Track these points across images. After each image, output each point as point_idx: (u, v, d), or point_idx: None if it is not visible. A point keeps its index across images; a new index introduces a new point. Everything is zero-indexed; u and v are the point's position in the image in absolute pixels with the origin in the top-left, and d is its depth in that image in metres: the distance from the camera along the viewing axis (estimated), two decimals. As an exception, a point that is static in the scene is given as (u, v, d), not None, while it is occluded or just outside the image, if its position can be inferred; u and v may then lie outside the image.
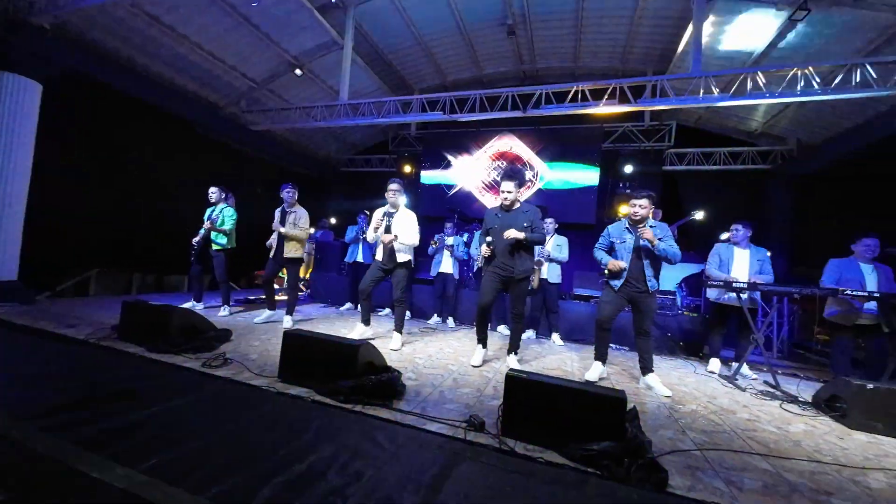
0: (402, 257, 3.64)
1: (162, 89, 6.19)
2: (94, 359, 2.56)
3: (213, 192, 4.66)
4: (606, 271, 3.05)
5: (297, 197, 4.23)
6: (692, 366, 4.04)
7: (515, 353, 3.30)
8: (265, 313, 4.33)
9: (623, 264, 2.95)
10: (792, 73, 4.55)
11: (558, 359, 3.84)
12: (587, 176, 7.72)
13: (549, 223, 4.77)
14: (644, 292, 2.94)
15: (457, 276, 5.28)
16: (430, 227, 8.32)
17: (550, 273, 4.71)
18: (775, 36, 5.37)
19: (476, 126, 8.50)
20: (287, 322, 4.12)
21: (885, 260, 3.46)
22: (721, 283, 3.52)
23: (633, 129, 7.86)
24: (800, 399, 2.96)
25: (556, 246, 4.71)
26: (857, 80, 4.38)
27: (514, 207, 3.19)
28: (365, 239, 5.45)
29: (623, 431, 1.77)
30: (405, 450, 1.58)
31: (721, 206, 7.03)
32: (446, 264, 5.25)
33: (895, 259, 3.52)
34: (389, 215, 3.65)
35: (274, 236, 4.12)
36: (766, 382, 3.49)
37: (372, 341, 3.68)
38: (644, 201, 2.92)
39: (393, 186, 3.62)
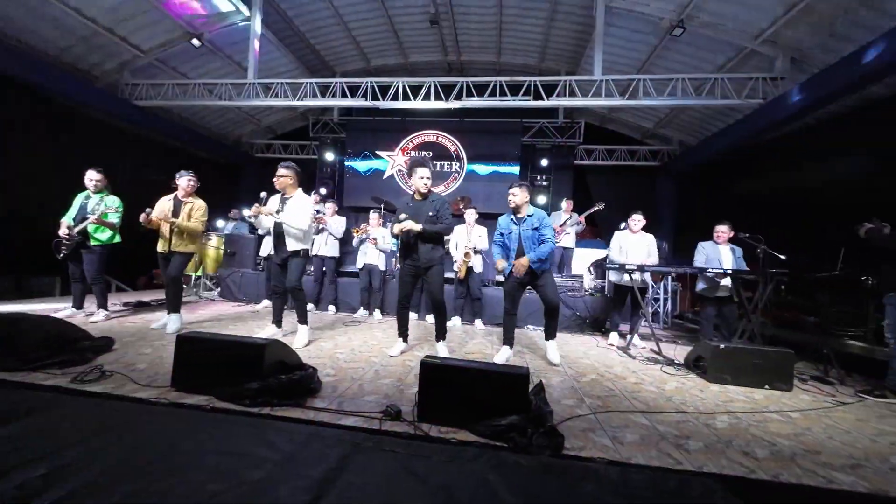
0: (292, 246, 3.37)
1: (8, 53, 5.01)
2: None
3: (94, 179, 3.91)
4: (495, 267, 3.31)
5: (196, 187, 3.76)
6: (596, 340, 4.53)
7: (444, 340, 3.34)
8: (164, 318, 3.75)
9: (504, 265, 3.19)
10: (672, 83, 5.26)
11: (480, 343, 4.02)
12: (508, 167, 8.12)
13: (471, 213, 4.92)
14: (534, 275, 3.17)
15: (383, 268, 5.20)
16: (356, 217, 8.09)
17: (475, 263, 4.87)
18: (658, 48, 6.13)
19: (401, 115, 8.38)
20: (173, 320, 3.61)
21: (738, 242, 4.21)
22: (617, 266, 3.98)
23: (548, 125, 8.43)
24: (676, 362, 3.49)
25: (478, 237, 4.88)
26: (720, 91, 5.22)
27: (427, 197, 3.20)
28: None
29: (528, 405, 1.92)
30: (303, 448, 1.52)
31: (623, 198, 7.93)
32: (372, 256, 5.14)
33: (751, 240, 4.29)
34: (283, 202, 3.42)
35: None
36: (652, 350, 4.05)
37: (285, 339, 3.51)
38: (516, 189, 3.17)
39: (280, 171, 3.38)
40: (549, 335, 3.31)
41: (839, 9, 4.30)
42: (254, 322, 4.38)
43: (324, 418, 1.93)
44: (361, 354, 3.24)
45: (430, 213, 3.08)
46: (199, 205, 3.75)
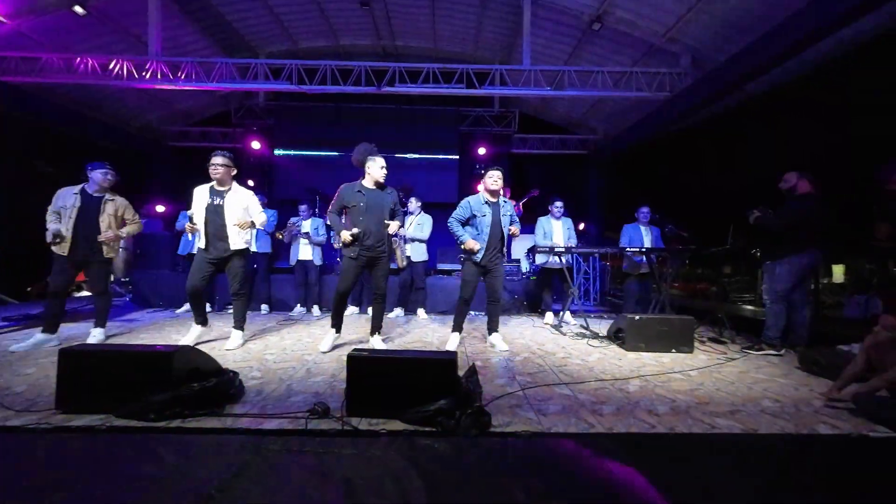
0: (237, 244, 3.16)
1: None
2: None
3: None
4: (463, 248, 3.18)
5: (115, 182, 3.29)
6: (532, 321, 4.77)
7: (379, 333, 3.30)
8: (36, 337, 3.12)
9: (478, 245, 3.14)
10: (594, 75, 5.59)
11: (421, 332, 4.03)
12: (447, 156, 8.16)
13: (414, 202, 4.87)
14: (499, 263, 3.25)
15: (318, 262, 4.98)
16: (284, 210, 7.62)
17: (415, 252, 4.85)
18: (581, 42, 6.48)
19: (336, 102, 7.99)
20: (98, 335, 3.26)
21: (656, 222, 4.65)
22: (546, 250, 4.20)
23: (484, 114, 8.57)
24: (600, 335, 3.79)
25: (417, 225, 4.85)
26: (634, 84, 5.66)
27: (371, 185, 3.09)
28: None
29: (457, 388, 1.95)
30: (193, 461, 1.41)
31: (555, 185, 8.36)
32: (305, 251, 4.90)
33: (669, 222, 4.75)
34: (218, 195, 3.13)
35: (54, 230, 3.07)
36: (581, 326, 4.36)
37: (213, 343, 3.24)
38: (499, 172, 3.22)
39: (217, 160, 3.06)
40: (493, 328, 3.36)
41: (733, 9, 4.82)
42: (173, 329, 3.98)
43: (243, 424, 1.81)
44: (293, 353, 3.09)
45: (391, 206, 3.06)
46: (123, 202, 3.32)
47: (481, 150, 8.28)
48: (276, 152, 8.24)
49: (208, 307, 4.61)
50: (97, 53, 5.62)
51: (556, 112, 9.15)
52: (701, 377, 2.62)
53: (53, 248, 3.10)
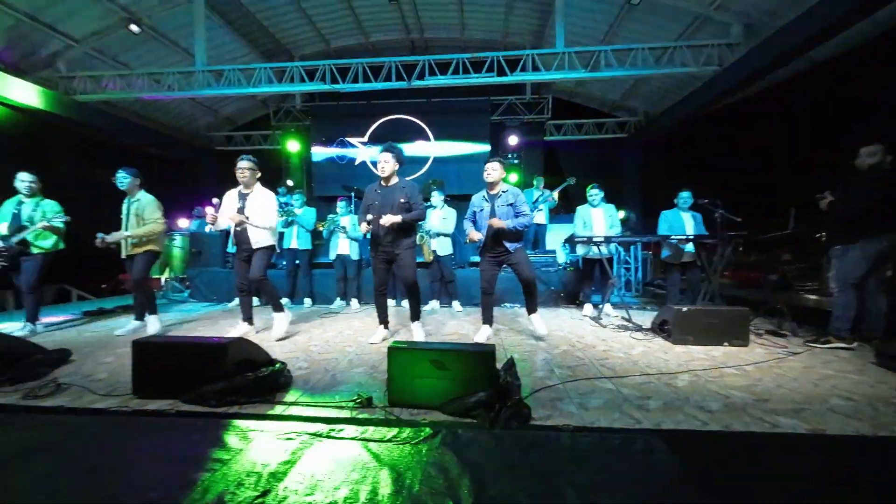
0: (260, 242, 3.30)
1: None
2: None
3: (27, 182, 3.63)
4: (468, 241, 3.27)
5: (138, 184, 3.57)
6: (570, 313, 4.66)
7: (419, 321, 3.35)
8: (131, 325, 3.61)
9: (478, 236, 3.17)
10: (633, 53, 5.28)
11: (457, 324, 4.06)
12: (479, 147, 8.06)
13: (436, 196, 4.87)
14: (506, 252, 3.19)
15: (356, 257, 5.13)
16: (325, 207, 7.90)
17: (440, 246, 4.86)
18: (618, 18, 6.11)
19: (367, 98, 8.12)
20: (153, 323, 3.57)
21: (698, 208, 4.35)
22: (584, 240, 4.06)
23: (516, 102, 8.37)
24: (644, 327, 3.63)
25: (441, 219, 4.85)
26: (679, 60, 5.28)
27: (392, 183, 3.16)
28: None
29: (496, 381, 1.95)
30: (255, 444, 1.51)
31: (592, 171, 8.04)
32: (343, 246, 5.06)
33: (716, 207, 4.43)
34: (243, 197, 3.30)
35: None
36: (622, 318, 4.19)
37: (259, 335, 3.45)
38: (495, 164, 3.16)
39: (242, 164, 3.25)
40: (531, 309, 3.34)
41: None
42: (225, 322, 4.27)
43: (293, 412, 1.92)
44: (336, 345, 3.22)
45: (402, 200, 3.06)
46: (146, 202, 3.57)
47: (513, 140, 8.12)
48: (313, 151, 8.53)
49: (256, 301, 4.92)
50: (151, 68, 6.07)
51: (593, 95, 8.75)
52: (758, 372, 2.45)
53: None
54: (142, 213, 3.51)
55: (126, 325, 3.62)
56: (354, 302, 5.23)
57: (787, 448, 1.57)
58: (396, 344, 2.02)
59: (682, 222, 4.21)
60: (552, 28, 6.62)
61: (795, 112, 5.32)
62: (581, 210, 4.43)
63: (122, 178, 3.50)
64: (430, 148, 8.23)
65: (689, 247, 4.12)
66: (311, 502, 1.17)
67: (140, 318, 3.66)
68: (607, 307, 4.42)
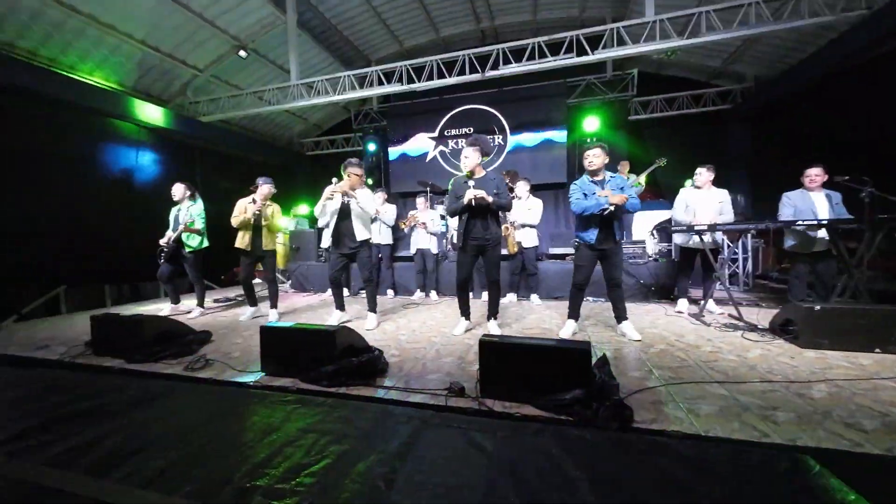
0: (361, 234, 3.58)
1: (95, 90, 5.72)
2: (66, 378, 2.52)
3: (177, 190, 4.46)
4: (611, 206, 2.87)
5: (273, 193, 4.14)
6: (663, 308, 4.26)
7: (495, 318, 3.40)
8: (249, 311, 4.27)
9: (607, 193, 2.91)
10: (742, 9, 4.54)
11: (537, 318, 3.99)
12: (555, 133, 7.69)
13: (522, 186, 4.78)
14: (611, 243, 3.03)
15: (435, 251, 5.31)
16: (402, 203, 8.28)
17: (525, 237, 4.77)
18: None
19: (439, 94, 8.25)
20: (273, 315, 4.12)
21: (835, 186, 3.62)
22: (685, 228, 3.66)
23: (595, 81, 7.78)
24: (759, 327, 3.18)
25: (527, 210, 4.75)
26: (807, 9, 4.40)
27: (479, 175, 3.19)
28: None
29: (591, 378, 1.89)
30: (378, 425, 1.65)
31: (686, 151, 7.17)
32: (423, 240, 5.27)
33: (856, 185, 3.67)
34: (349, 196, 3.58)
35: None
36: (730, 316, 3.72)
37: (352, 323, 3.78)
38: (597, 150, 2.98)
39: (356, 170, 3.54)
40: (621, 315, 3.15)
41: None
42: (323, 310, 4.74)
43: (393, 396, 2.07)
44: (422, 335, 3.39)
45: (494, 192, 3.09)
46: (277, 207, 4.16)
47: (592, 123, 7.58)
48: (389, 150, 8.97)
49: (346, 292, 5.41)
50: (256, 86, 6.91)
51: (687, 64, 7.75)
52: (929, 388, 1.99)
53: (244, 247, 4.01)
54: (272, 215, 4.09)
55: (246, 313, 4.26)
56: (433, 294, 5.43)
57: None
58: (488, 337, 2.06)
59: (811, 204, 3.55)
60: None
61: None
62: (684, 193, 3.98)
63: (259, 186, 4.05)
64: (503, 137, 8.10)
65: (822, 233, 3.47)
66: (434, 485, 1.25)
67: (254, 304, 4.27)
68: (710, 303, 3.96)
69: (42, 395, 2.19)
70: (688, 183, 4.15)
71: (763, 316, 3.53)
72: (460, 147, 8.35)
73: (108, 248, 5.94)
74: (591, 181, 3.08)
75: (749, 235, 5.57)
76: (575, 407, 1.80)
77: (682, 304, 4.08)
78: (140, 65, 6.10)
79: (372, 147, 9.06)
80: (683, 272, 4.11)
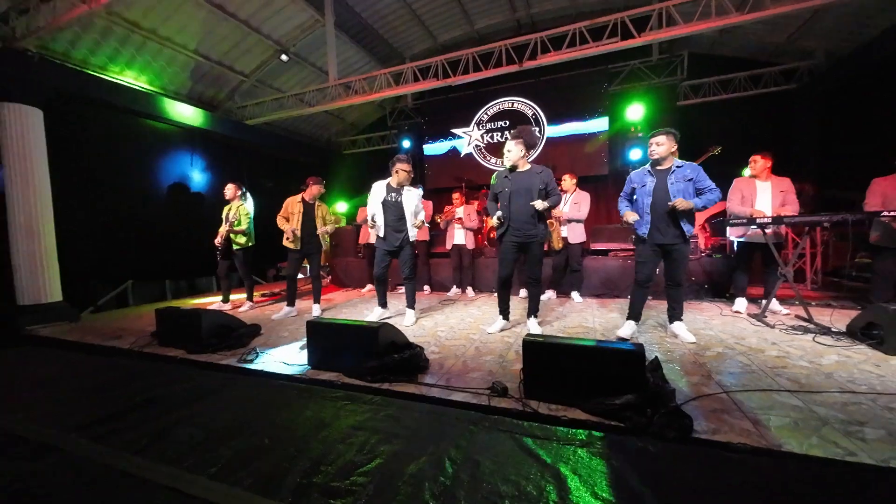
0: (412, 235, 3.66)
1: (154, 98, 6.18)
2: (136, 368, 2.75)
3: (228, 190, 4.74)
4: (623, 222, 2.95)
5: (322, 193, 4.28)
6: (718, 308, 3.97)
7: (535, 317, 3.31)
8: (284, 310, 4.26)
9: (634, 217, 2.86)
10: (815, -25, 4.06)
11: (579, 316, 3.85)
12: (596, 124, 7.35)
13: (568, 180, 4.60)
14: (679, 240, 2.78)
15: (471, 247, 5.27)
16: (437, 199, 8.28)
17: (571, 233, 4.60)
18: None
19: (474, 88, 8.14)
20: (316, 311, 4.26)
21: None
22: (744, 220, 3.37)
23: (640, 66, 7.33)
24: (833, 330, 2.87)
25: (573, 204, 4.57)
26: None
27: (523, 168, 3.10)
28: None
29: (644, 383, 1.78)
30: (425, 425, 1.65)
31: (742, 137, 6.60)
32: (459, 236, 5.24)
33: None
34: (396, 192, 3.61)
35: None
36: (797, 317, 3.40)
37: (391, 319, 3.84)
38: (661, 138, 2.78)
39: (406, 166, 3.58)
40: (675, 315, 2.96)
41: None
42: (363, 305, 4.86)
43: (435, 394, 2.07)
44: (461, 332, 3.37)
45: (541, 187, 3.01)
46: (325, 206, 4.30)
47: (636, 111, 7.17)
48: (425, 147, 8.99)
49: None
50: (296, 88, 7.17)
51: (745, 41, 7.10)
52: None
53: (288, 243, 4.17)
54: (324, 215, 4.25)
55: (280, 311, 4.28)
56: (470, 290, 5.40)
57: None
58: (532, 337, 2.00)
59: (901, 192, 3.14)
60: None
61: None
62: (739, 183, 3.66)
63: (317, 185, 4.22)
64: (540, 129, 7.87)
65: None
66: (487, 492, 1.22)
67: (292, 304, 4.28)
68: (774, 303, 3.63)
69: (119, 382, 2.41)
70: (745, 172, 3.81)
71: (837, 318, 3.19)
72: (496, 141, 8.27)
73: (167, 245, 6.43)
74: (650, 171, 2.88)
75: (818, 228, 5.05)
76: (627, 413, 1.71)
77: (740, 303, 3.78)
78: (193, 73, 6.50)
79: (407, 144, 9.12)
80: (741, 268, 3.79)
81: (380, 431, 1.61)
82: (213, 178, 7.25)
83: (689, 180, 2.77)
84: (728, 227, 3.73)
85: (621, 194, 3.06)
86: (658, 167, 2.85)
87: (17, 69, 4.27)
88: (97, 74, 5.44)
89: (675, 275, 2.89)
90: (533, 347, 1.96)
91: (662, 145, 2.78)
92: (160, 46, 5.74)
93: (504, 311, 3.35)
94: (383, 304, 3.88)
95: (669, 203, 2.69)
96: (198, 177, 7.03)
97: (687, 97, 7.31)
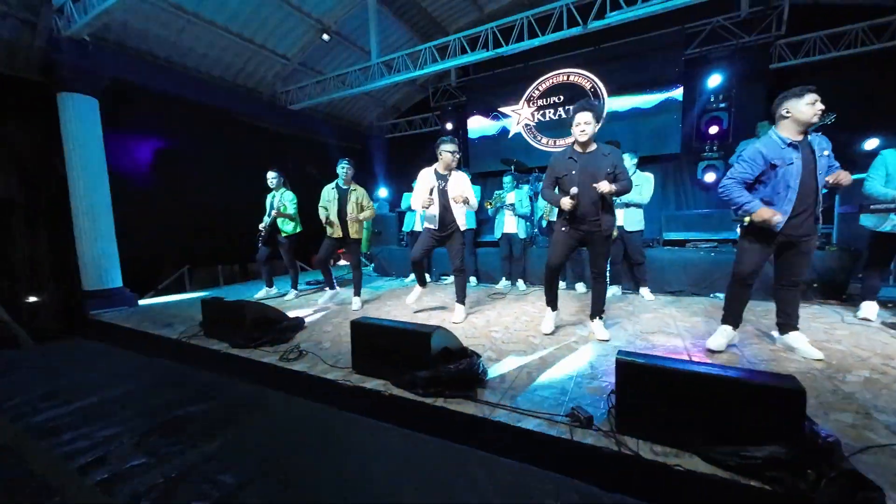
0: (461, 223, 3.31)
1: (203, 84, 6.21)
2: (174, 372, 2.66)
3: (273, 178, 4.63)
4: (752, 219, 2.19)
5: (353, 174, 4.00)
6: (836, 313, 3.24)
7: (601, 318, 2.86)
8: (326, 293, 4.31)
9: (770, 214, 2.11)
10: None
11: (655, 318, 3.30)
12: (667, 94, 6.43)
13: (627, 159, 3.99)
14: (812, 230, 2.19)
15: (522, 236, 4.79)
16: (484, 184, 7.80)
17: (628, 220, 4.02)
18: None
19: (524, 61, 7.46)
20: (356, 303, 4.07)
21: None
22: (883, 207, 2.63)
23: (725, 23, 6.26)
24: None
25: (634, 186, 3.95)
26: None
27: (591, 149, 2.61)
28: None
29: (799, 431, 1.30)
30: (506, 486, 1.28)
31: (862, 103, 5.44)
32: (510, 224, 4.78)
33: None
34: (443, 178, 3.27)
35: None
36: (959, 329, 2.64)
37: (434, 311, 3.53)
38: (811, 96, 2.09)
39: (452, 147, 3.21)
40: (789, 324, 2.36)
41: None
42: (406, 295, 4.59)
43: (500, 417, 1.72)
44: (518, 333, 2.99)
45: (609, 171, 2.54)
46: (362, 192, 4.00)
47: (715, 79, 6.17)
48: (470, 127, 8.48)
49: (427, 277, 5.20)
50: (338, 69, 6.93)
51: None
52: None
53: (330, 230, 3.96)
54: (361, 201, 3.97)
55: (324, 296, 4.32)
56: (521, 283, 4.96)
57: None
58: (627, 356, 1.56)
59: None
60: None
61: None
62: (887, 155, 2.87)
63: (344, 169, 3.93)
64: (599, 104, 7.07)
65: None
66: None
67: (332, 287, 4.30)
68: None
69: (153, 391, 2.30)
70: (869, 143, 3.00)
71: None
72: (548, 119, 7.57)
73: (219, 231, 6.57)
74: (789, 143, 2.13)
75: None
76: (774, 471, 1.25)
77: (870, 308, 3.02)
78: (237, 58, 6.47)
79: (449, 125, 8.66)
80: (875, 266, 3.03)
81: (454, 494, 1.27)
82: (260, 165, 7.28)
83: (824, 153, 2.18)
84: (862, 214, 2.97)
85: (736, 177, 2.25)
86: (794, 139, 2.13)
87: (73, 58, 4.34)
88: (150, 61, 5.52)
89: (797, 272, 2.28)
90: (630, 369, 1.53)
91: (811, 107, 2.09)
92: (206, 29, 5.70)
93: (552, 302, 2.95)
94: (422, 283, 3.62)
95: (828, 180, 2.12)
96: (246, 164, 7.09)
97: (783, 58, 6.15)
